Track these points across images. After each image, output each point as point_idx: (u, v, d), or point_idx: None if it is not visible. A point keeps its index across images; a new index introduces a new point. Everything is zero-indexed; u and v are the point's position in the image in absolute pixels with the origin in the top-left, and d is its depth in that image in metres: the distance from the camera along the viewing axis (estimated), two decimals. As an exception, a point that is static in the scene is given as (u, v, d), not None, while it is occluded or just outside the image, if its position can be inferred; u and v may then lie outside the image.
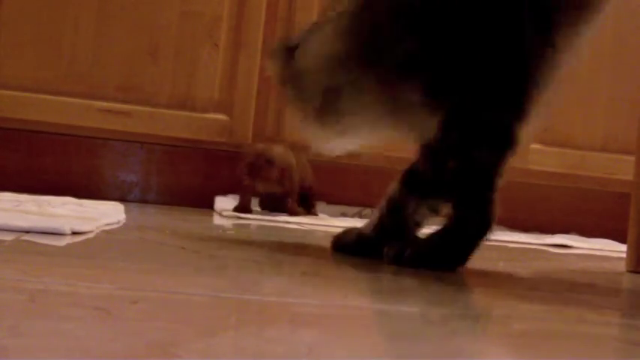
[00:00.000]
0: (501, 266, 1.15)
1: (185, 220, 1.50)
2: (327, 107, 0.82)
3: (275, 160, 1.70)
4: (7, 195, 1.50)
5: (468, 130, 0.81)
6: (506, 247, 1.56)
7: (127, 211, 1.47)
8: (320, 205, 1.90)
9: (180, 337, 0.47)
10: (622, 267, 1.30)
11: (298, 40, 0.78)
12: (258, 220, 1.64)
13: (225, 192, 1.97)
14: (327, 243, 1.25)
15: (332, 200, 2.00)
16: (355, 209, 1.95)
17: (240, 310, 0.61)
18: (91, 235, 1.01)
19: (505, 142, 0.82)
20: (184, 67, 1.97)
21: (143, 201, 1.99)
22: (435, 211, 0.92)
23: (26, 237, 0.93)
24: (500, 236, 1.75)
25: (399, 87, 0.76)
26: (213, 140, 1.98)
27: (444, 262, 0.90)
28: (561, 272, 1.15)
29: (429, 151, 0.85)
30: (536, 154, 2.13)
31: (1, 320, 0.47)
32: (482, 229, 0.87)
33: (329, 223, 1.65)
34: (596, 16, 0.84)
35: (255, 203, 1.80)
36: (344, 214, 1.92)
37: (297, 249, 1.16)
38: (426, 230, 0.93)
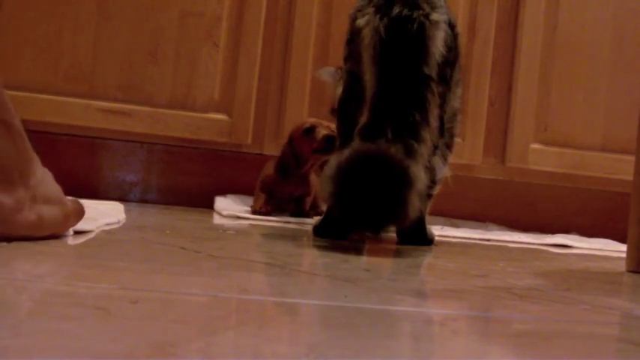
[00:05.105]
0: (501, 266, 1.15)
1: (185, 220, 1.50)
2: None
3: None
4: (7, 195, 1.50)
5: None
6: (506, 247, 1.56)
7: (127, 211, 1.47)
8: None
9: (180, 337, 0.47)
10: (622, 267, 1.30)
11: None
12: (258, 220, 1.64)
13: (225, 192, 1.97)
14: (327, 243, 1.25)
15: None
16: None
17: (239, 310, 0.61)
18: (91, 235, 1.01)
19: None
20: (184, 67, 1.97)
21: (143, 201, 1.99)
22: None
23: (26, 237, 0.92)
24: (500, 236, 1.75)
25: None
26: (213, 140, 1.98)
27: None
28: (561, 272, 1.15)
29: None
30: (536, 154, 2.13)
31: (2, 320, 0.47)
32: None
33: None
34: None
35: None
36: None
37: (297, 249, 1.16)
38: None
